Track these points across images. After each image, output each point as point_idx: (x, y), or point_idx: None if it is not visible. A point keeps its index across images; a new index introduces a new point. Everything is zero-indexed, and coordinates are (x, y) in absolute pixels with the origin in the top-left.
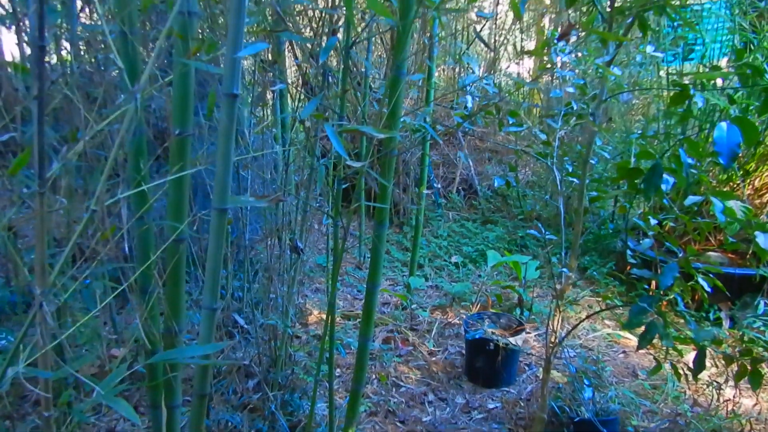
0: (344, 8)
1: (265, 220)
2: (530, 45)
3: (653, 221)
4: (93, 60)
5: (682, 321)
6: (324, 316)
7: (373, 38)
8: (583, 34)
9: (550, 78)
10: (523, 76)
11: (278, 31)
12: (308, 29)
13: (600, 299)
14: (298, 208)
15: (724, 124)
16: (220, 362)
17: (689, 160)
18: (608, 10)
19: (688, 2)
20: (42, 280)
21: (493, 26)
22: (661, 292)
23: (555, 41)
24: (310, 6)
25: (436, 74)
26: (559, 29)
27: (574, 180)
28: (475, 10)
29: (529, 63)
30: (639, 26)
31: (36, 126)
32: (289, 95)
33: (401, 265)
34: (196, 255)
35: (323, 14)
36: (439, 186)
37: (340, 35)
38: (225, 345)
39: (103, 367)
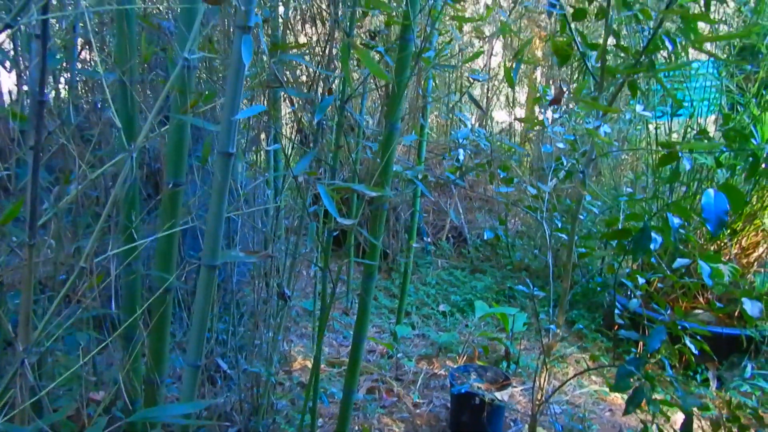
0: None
1: (254, 264)
2: (522, 95)
3: (641, 280)
4: (89, 101)
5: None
6: (308, 363)
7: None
8: (575, 100)
9: (540, 130)
10: (514, 125)
11: (275, 86)
12: (304, 76)
13: (587, 354)
14: (287, 254)
15: (711, 192)
16: (202, 423)
17: (677, 224)
18: (599, 71)
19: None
20: (25, 336)
21: (485, 72)
22: (648, 354)
23: (547, 104)
24: (307, 66)
25: (429, 121)
26: (551, 85)
27: (563, 236)
28: (469, 69)
29: (520, 112)
30: (629, 88)
31: (30, 177)
32: (282, 139)
33: (388, 311)
34: (182, 296)
35: (319, 66)
36: (430, 239)
37: (334, 80)
38: (208, 403)
39: (81, 410)
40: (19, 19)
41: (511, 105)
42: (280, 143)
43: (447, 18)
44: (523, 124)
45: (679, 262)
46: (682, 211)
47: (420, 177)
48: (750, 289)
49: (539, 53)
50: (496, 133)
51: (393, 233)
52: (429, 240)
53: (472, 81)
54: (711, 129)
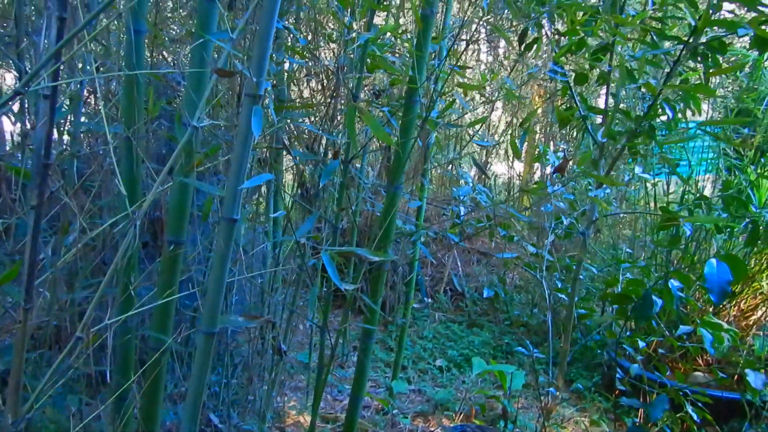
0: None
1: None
2: (521, 148)
3: (641, 344)
4: (92, 149)
5: None
6: (302, 419)
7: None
8: (579, 168)
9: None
10: (513, 178)
11: (280, 148)
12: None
13: (586, 416)
14: (284, 307)
15: (714, 262)
16: None
17: (679, 293)
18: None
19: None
20: (14, 406)
21: (486, 130)
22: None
23: (551, 172)
24: (313, 131)
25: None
26: (551, 142)
27: (563, 296)
28: (473, 131)
29: (519, 166)
30: (629, 151)
31: (30, 239)
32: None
33: (384, 365)
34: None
35: (324, 121)
36: (429, 300)
37: (339, 139)
38: None
39: None
40: (29, 86)
41: (511, 160)
42: (282, 197)
43: (452, 82)
44: (521, 177)
45: (682, 329)
46: (683, 279)
47: (422, 240)
48: (752, 359)
49: (539, 110)
50: (496, 186)
51: (390, 285)
52: (428, 300)
53: (477, 146)
54: (708, 188)
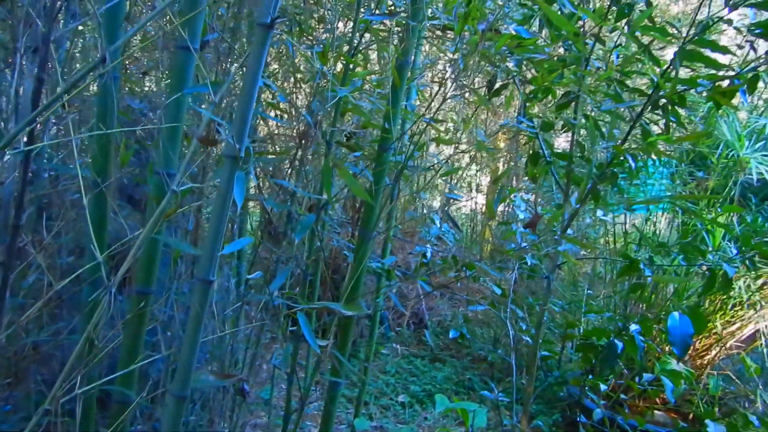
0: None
1: (210, 353)
2: (484, 179)
3: (603, 387)
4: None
5: None
6: None
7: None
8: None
9: (502, 217)
10: (475, 209)
11: (254, 198)
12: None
13: None
14: (248, 346)
15: (676, 315)
16: None
17: (642, 344)
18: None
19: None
20: None
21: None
22: None
23: (521, 227)
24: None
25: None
26: (514, 179)
27: (527, 338)
28: (447, 188)
29: (481, 199)
30: (592, 197)
31: None
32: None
33: (346, 400)
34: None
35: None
36: (392, 334)
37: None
38: None
39: None
40: (7, 151)
41: (474, 191)
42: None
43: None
44: (484, 210)
45: (646, 377)
46: (645, 326)
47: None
48: (709, 410)
49: (502, 144)
50: (459, 218)
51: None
52: (392, 334)
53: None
54: (664, 225)
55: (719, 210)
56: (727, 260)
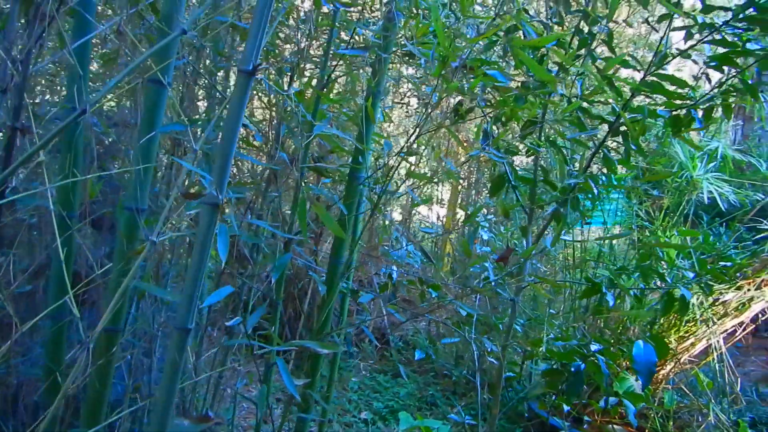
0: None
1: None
2: (445, 193)
3: (566, 408)
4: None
5: None
6: None
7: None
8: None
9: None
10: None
11: (237, 271)
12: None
13: None
14: (212, 369)
15: (641, 343)
16: None
17: (607, 370)
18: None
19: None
20: None
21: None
22: None
23: (493, 260)
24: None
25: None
26: (476, 195)
27: (491, 360)
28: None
29: (442, 211)
30: (555, 220)
31: None
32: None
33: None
34: None
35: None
36: (354, 350)
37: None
38: None
39: None
40: None
41: (437, 203)
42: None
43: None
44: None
45: (611, 401)
46: (611, 355)
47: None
48: (665, 425)
49: (462, 158)
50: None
51: (301, 319)
52: (354, 350)
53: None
54: (620, 241)
55: (676, 233)
56: (684, 283)
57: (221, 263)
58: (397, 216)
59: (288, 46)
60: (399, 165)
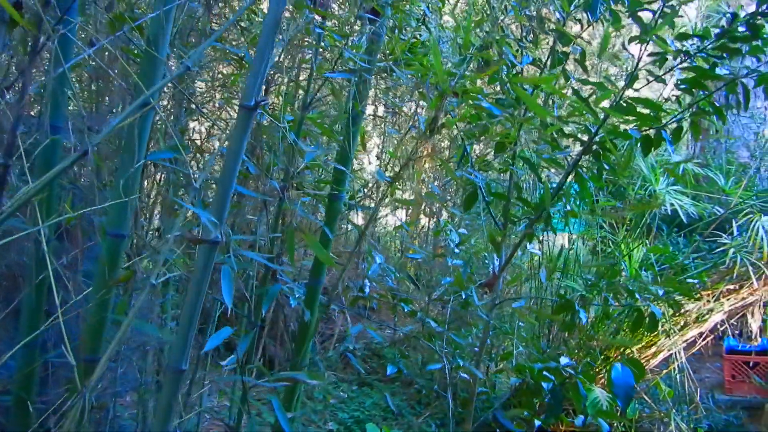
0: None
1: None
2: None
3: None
4: None
5: None
6: None
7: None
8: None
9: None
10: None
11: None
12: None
13: None
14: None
15: (619, 366)
16: None
17: (584, 392)
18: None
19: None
20: None
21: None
22: None
23: (479, 285)
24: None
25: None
26: (444, 204)
27: (463, 375)
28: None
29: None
30: (527, 238)
31: None
32: None
33: (272, 430)
34: None
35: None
36: (318, 358)
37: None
38: None
39: None
40: None
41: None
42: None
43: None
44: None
45: (581, 419)
46: (590, 377)
47: None
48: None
49: (427, 165)
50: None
51: (280, 342)
52: (318, 358)
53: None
54: (584, 248)
55: (645, 250)
56: (653, 300)
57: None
58: (360, 220)
59: None
60: (387, 191)
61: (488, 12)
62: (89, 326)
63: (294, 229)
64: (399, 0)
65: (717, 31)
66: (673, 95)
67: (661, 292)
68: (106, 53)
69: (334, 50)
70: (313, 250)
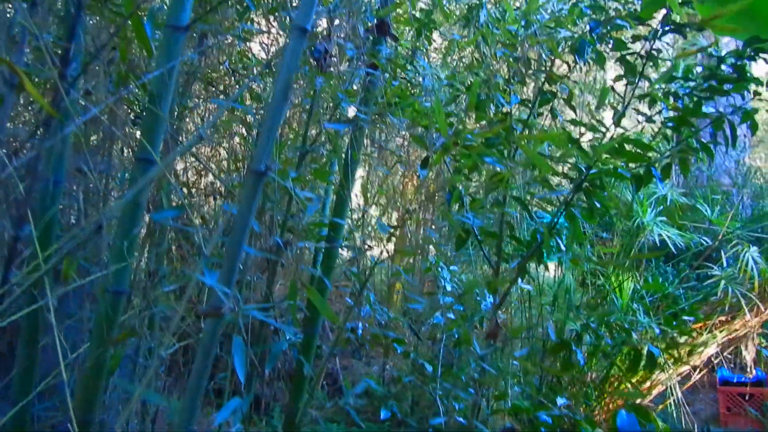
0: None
1: None
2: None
3: None
4: None
5: None
6: None
7: None
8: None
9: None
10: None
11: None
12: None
13: None
14: None
15: (624, 413)
16: None
17: None
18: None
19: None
20: None
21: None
22: None
23: (484, 337)
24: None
25: None
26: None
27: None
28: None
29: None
30: (519, 273)
31: None
32: None
33: None
34: None
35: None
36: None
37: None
38: None
39: None
40: None
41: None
42: None
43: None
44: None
45: None
46: (592, 424)
47: None
48: None
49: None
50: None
51: (267, 381)
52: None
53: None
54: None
55: (639, 287)
56: (649, 339)
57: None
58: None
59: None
60: (387, 240)
61: (477, 56)
62: (85, 385)
63: (297, 285)
64: (396, 56)
65: (699, 68)
66: (661, 133)
67: (657, 330)
68: (110, 109)
69: (330, 98)
70: (317, 307)
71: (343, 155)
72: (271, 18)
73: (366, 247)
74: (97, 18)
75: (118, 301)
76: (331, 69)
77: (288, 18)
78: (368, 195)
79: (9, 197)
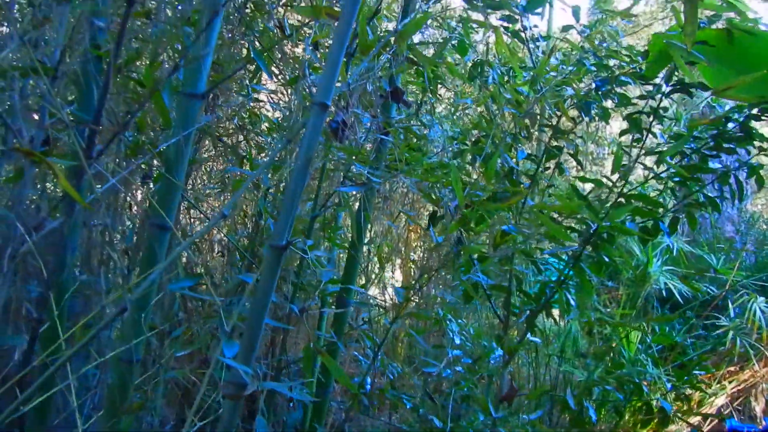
0: None
1: None
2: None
3: None
4: None
5: None
6: None
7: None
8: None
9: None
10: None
11: None
12: None
13: None
14: None
15: None
16: None
17: None
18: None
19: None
20: None
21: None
22: None
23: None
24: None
25: None
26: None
27: None
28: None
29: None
30: (527, 326)
31: None
32: None
33: None
34: None
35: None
36: None
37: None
38: None
39: None
40: None
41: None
42: None
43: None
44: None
45: None
46: None
47: None
48: None
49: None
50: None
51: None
52: None
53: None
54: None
55: (649, 339)
56: (660, 393)
57: None
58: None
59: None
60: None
61: (486, 115)
62: None
63: (314, 351)
64: (409, 120)
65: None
66: (666, 186)
67: (668, 386)
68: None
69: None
70: (334, 375)
71: (355, 216)
72: (289, 90)
73: (380, 309)
74: (114, 89)
75: (129, 370)
76: (347, 140)
77: (306, 88)
78: (382, 256)
79: (29, 272)
